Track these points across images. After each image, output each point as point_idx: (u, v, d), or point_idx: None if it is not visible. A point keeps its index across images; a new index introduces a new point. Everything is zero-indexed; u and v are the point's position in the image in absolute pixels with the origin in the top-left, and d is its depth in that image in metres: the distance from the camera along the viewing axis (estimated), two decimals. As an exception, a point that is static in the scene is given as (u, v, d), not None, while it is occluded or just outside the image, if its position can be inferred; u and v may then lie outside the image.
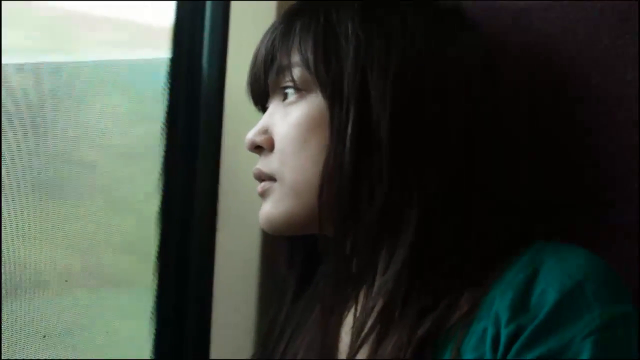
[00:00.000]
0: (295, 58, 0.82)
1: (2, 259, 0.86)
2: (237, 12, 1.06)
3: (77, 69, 0.96)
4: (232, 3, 1.05)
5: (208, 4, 1.06)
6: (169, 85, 1.04)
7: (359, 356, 0.81)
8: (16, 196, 0.89)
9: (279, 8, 1.03)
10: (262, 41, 0.86)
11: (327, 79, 0.80)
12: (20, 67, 0.90)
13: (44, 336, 0.94)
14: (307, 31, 0.82)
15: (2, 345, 0.86)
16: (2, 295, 0.86)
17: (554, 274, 0.72)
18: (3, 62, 0.86)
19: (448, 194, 0.79)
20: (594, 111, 0.88)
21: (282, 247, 0.94)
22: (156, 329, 1.05)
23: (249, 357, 1.01)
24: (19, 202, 0.89)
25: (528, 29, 0.90)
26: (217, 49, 1.05)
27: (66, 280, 0.98)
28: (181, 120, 1.06)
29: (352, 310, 0.84)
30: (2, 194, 0.86)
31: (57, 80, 0.93)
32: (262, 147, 0.85)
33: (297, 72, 0.82)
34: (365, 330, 0.79)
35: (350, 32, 0.80)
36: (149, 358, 1.04)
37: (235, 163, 0.94)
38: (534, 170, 0.90)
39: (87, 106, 0.97)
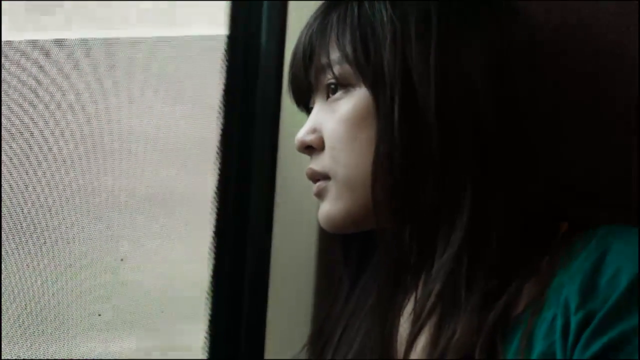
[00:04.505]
0: (335, 54, 0.82)
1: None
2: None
3: (133, 45, 0.97)
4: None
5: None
6: (226, 63, 1.03)
7: (420, 342, 0.80)
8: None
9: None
10: (299, 40, 0.87)
11: (368, 69, 0.80)
12: (79, 42, 0.91)
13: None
14: (342, 25, 0.82)
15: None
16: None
17: (624, 257, 0.71)
18: (62, 35, 0.88)
19: (500, 174, 0.78)
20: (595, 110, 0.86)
21: (338, 244, 0.94)
22: (211, 326, 1.06)
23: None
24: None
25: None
26: (276, 25, 1.04)
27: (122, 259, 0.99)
28: (238, 101, 1.05)
29: (411, 298, 0.83)
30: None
31: (113, 56, 0.94)
32: (313, 147, 0.85)
33: (338, 68, 0.82)
34: (425, 312, 0.79)
35: (385, 18, 0.80)
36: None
37: (292, 157, 0.94)
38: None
39: (143, 82, 0.97)
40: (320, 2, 0.87)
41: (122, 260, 1.00)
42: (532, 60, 0.82)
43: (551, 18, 0.88)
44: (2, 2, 0.84)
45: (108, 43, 0.93)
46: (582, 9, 0.87)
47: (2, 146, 0.86)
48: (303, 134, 0.85)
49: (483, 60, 0.79)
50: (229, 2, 1.03)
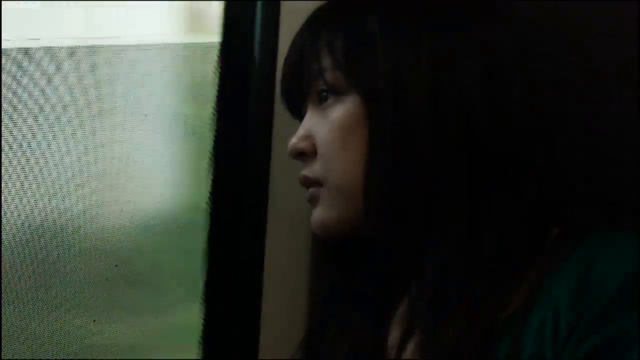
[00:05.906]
0: (327, 62, 0.82)
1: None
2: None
3: (127, 52, 0.97)
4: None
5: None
6: (219, 69, 1.03)
7: (411, 345, 0.80)
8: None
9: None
10: (291, 46, 0.87)
11: (360, 77, 0.80)
12: (73, 50, 0.91)
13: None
14: (335, 32, 0.82)
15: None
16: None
17: (614, 262, 0.71)
18: (55, 44, 0.87)
19: (493, 179, 0.78)
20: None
21: (331, 249, 0.93)
22: (205, 329, 1.05)
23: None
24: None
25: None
26: (269, 31, 1.04)
27: (116, 265, 0.99)
28: (231, 106, 1.05)
29: (403, 302, 0.84)
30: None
31: (108, 63, 0.94)
32: (305, 154, 0.85)
33: (330, 75, 0.82)
34: (416, 315, 0.79)
35: (377, 26, 0.80)
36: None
37: (285, 163, 0.94)
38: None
39: (136, 90, 0.97)
40: (313, 8, 0.87)
41: (116, 266, 1.00)
42: (526, 64, 0.82)
43: (548, 19, 0.88)
44: (2, 3, 0.84)
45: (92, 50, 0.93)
46: (580, 9, 0.87)
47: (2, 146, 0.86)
48: (295, 140, 0.85)
49: (476, 66, 0.79)
50: (222, 7, 1.03)
